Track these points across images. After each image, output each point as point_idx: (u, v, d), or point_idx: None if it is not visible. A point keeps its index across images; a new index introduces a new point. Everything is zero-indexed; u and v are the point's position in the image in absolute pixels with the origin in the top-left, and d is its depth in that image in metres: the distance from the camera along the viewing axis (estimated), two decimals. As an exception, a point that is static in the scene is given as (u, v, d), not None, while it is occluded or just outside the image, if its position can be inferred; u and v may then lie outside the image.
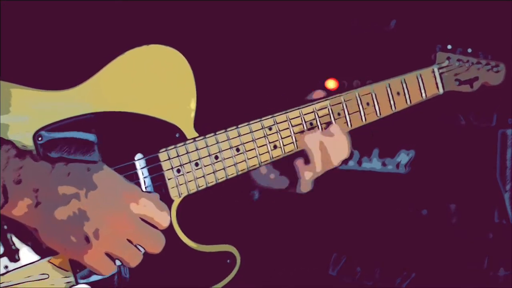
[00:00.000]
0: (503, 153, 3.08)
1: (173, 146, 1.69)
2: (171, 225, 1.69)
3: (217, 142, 1.74)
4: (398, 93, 1.98)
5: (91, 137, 1.59)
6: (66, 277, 1.56)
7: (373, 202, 3.26)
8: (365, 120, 1.94)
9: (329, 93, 1.95)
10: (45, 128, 1.55)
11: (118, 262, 1.54)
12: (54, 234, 1.45)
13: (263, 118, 1.80)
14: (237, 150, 1.77)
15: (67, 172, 1.46)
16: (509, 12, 2.82)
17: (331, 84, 3.07)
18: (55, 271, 1.55)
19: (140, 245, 1.55)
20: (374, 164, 3.29)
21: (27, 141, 1.53)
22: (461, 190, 3.14)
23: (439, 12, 2.92)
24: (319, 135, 1.84)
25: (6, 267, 1.50)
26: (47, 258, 1.54)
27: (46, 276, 1.54)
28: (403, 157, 3.25)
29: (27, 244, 1.51)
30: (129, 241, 1.52)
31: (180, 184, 1.70)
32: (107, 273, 1.53)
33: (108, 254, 1.50)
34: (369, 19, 3.16)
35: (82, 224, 1.45)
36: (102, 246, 1.48)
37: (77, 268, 1.56)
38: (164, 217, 1.57)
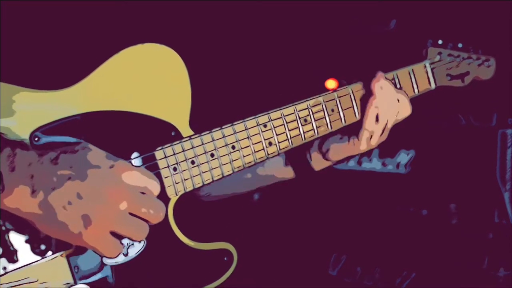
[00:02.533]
0: (503, 153, 3.08)
1: (169, 145, 1.69)
2: (168, 223, 1.70)
3: (213, 140, 1.74)
4: None
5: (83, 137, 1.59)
6: (65, 278, 1.56)
7: (373, 202, 3.27)
8: (359, 116, 1.96)
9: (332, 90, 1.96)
10: (41, 128, 1.55)
11: (124, 242, 1.53)
12: (53, 220, 1.43)
13: (258, 115, 1.80)
14: (233, 147, 1.77)
15: (56, 156, 1.45)
16: (500, 7, 2.83)
17: (331, 84, 3.08)
18: (54, 272, 1.55)
19: (142, 217, 1.50)
20: (374, 164, 3.29)
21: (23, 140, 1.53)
22: (461, 190, 3.14)
23: (430, 8, 2.93)
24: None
25: (4, 268, 1.50)
26: (47, 259, 1.54)
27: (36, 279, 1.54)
28: (403, 157, 3.25)
29: (26, 244, 1.51)
30: (131, 214, 1.49)
31: (177, 183, 1.70)
32: (114, 254, 1.49)
33: (112, 233, 1.47)
34: (369, 19, 3.17)
35: (80, 205, 1.43)
36: (105, 224, 1.45)
37: (76, 268, 1.56)
38: (154, 185, 1.53)
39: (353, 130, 1.96)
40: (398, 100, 1.94)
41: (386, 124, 1.95)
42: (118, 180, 1.48)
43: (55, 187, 1.42)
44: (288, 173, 2.06)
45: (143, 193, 1.51)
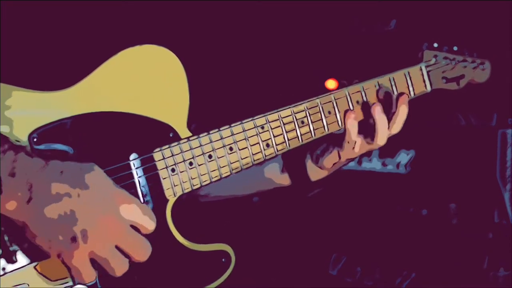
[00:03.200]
0: (503, 153, 3.08)
1: (167, 146, 1.69)
2: (166, 224, 1.70)
3: (211, 141, 1.74)
4: None
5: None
6: (63, 278, 1.56)
7: (373, 202, 3.27)
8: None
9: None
10: (40, 129, 1.56)
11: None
12: (42, 231, 1.44)
13: (255, 117, 1.80)
14: (231, 149, 1.77)
15: (60, 170, 1.45)
16: (496, 10, 2.83)
17: (331, 84, 3.08)
18: (52, 273, 1.55)
19: (127, 253, 1.51)
20: (374, 164, 3.29)
21: (22, 141, 1.54)
22: (461, 190, 3.15)
23: (426, 11, 2.93)
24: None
25: (3, 269, 1.50)
26: (46, 260, 1.53)
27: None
28: (403, 157, 3.25)
29: (23, 247, 1.51)
30: (117, 248, 1.49)
31: (175, 184, 1.70)
32: (87, 280, 1.49)
33: (92, 260, 1.47)
34: (369, 19, 3.17)
35: (71, 224, 1.43)
36: (88, 248, 1.45)
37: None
38: (151, 223, 1.54)
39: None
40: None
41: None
42: (114, 210, 1.49)
43: (52, 201, 1.43)
44: (284, 180, 2.06)
45: (136, 228, 1.52)
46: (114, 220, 1.48)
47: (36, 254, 1.52)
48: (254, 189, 2.11)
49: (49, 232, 1.44)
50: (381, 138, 1.91)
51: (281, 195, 2.10)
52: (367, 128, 1.93)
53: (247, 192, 2.12)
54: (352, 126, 1.91)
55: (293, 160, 2.02)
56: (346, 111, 1.92)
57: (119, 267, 1.50)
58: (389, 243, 3.24)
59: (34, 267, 1.53)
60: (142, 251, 1.53)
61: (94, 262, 1.48)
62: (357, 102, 1.95)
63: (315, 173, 2.03)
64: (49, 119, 1.57)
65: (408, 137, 3.18)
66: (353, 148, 1.92)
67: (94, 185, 1.47)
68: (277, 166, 2.05)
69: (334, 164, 1.98)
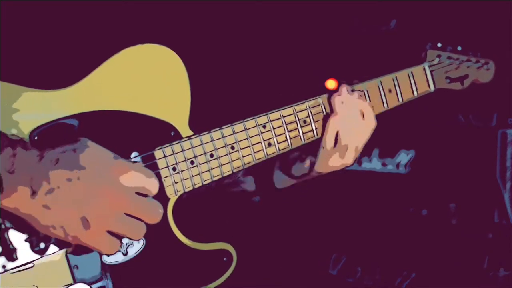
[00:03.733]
0: (503, 153, 3.09)
1: (168, 144, 1.70)
2: (167, 223, 1.70)
3: (212, 140, 1.75)
4: (390, 91, 2.00)
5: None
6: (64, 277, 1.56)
7: (373, 202, 3.27)
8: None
9: (330, 93, 1.96)
10: (40, 128, 1.56)
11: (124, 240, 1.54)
12: (52, 221, 1.44)
13: (257, 116, 1.80)
14: (232, 148, 1.77)
15: (55, 158, 1.45)
16: (499, 10, 2.83)
17: (331, 84, 3.08)
18: (53, 271, 1.55)
19: (139, 217, 1.52)
20: (374, 164, 3.29)
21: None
22: (461, 190, 3.15)
23: (429, 11, 2.93)
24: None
25: (3, 266, 1.50)
26: (46, 257, 1.54)
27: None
28: (403, 157, 3.25)
29: (26, 242, 1.51)
30: (128, 215, 1.51)
31: (176, 182, 1.70)
32: (112, 252, 1.51)
33: (110, 232, 1.49)
34: (369, 19, 3.17)
35: (78, 207, 1.44)
36: (102, 225, 1.47)
37: (75, 267, 1.56)
38: (153, 183, 1.54)
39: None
40: (363, 115, 1.92)
41: (348, 145, 1.92)
42: (114, 181, 1.49)
43: (54, 188, 1.43)
44: (249, 185, 2.06)
45: (141, 193, 1.52)
46: (117, 191, 1.49)
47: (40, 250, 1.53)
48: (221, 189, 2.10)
49: (60, 220, 1.44)
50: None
51: (281, 194, 2.10)
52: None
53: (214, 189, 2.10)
54: (333, 127, 1.89)
55: (259, 165, 2.02)
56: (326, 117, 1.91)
57: (136, 232, 1.52)
58: (389, 243, 3.24)
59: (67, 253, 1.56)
60: (152, 213, 1.53)
61: (112, 233, 1.50)
62: None
63: (281, 181, 2.02)
64: (50, 117, 1.57)
65: (408, 137, 3.20)
66: (328, 161, 1.91)
67: (90, 163, 1.47)
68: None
69: (303, 174, 1.97)
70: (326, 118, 1.91)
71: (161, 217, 1.55)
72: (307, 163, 1.96)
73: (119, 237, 1.51)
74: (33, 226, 1.46)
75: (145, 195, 1.53)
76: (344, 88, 1.92)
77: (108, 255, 1.58)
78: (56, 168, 1.44)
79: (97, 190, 1.46)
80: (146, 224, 1.53)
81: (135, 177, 1.51)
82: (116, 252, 1.52)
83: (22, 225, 1.48)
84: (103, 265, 1.61)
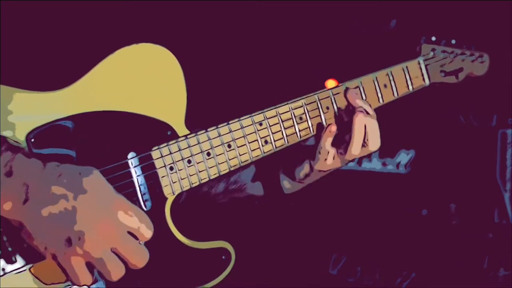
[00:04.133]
0: (503, 153, 3.08)
1: (165, 144, 1.70)
2: (165, 222, 1.70)
3: (209, 139, 1.75)
4: (385, 86, 1.99)
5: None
6: (58, 283, 1.56)
7: (373, 202, 3.26)
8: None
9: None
10: (37, 129, 1.56)
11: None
12: (37, 231, 1.44)
13: (253, 114, 1.80)
14: (229, 146, 1.77)
15: (58, 173, 1.45)
16: (495, 3, 2.82)
17: (331, 84, 3.07)
18: (47, 277, 1.55)
19: (123, 257, 1.50)
20: (374, 164, 3.29)
21: (20, 142, 1.54)
22: (461, 190, 3.14)
23: (424, 5, 2.93)
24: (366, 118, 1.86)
25: (3, 269, 1.50)
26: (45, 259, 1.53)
27: None
28: (403, 157, 3.25)
29: (22, 247, 1.51)
30: (113, 252, 1.48)
31: (174, 182, 1.71)
32: (83, 283, 1.48)
33: (88, 263, 1.47)
34: (369, 19, 3.17)
35: (66, 226, 1.43)
36: (84, 251, 1.44)
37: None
38: (149, 229, 1.53)
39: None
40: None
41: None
42: (111, 215, 1.48)
43: (48, 202, 1.43)
44: (255, 189, 2.05)
45: (133, 235, 1.51)
46: (111, 224, 1.48)
47: (32, 256, 1.52)
48: (227, 196, 2.09)
49: (45, 233, 1.44)
50: (356, 148, 1.86)
51: (281, 194, 2.10)
52: (340, 140, 1.90)
53: (221, 199, 2.09)
54: (327, 136, 1.88)
55: (266, 170, 2.02)
56: (320, 125, 1.90)
57: (115, 271, 1.49)
58: (389, 243, 3.24)
59: (29, 269, 1.53)
60: (138, 257, 1.52)
61: (90, 266, 1.47)
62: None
63: (288, 186, 2.02)
64: (46, 119, 1.58)
65: (408, 137, 3.19)
66: (325, 160, 1.90)
67: (92, 189, 1.47)
68: (249, 174, 2.04)
69: (306, 176, 1.97)
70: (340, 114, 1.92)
71: (144, 265, 1.53)
72: (306, 165, 1.95)
73: (93, 271, 1.48)
74: (19, 231, 1.46)
75: (136, 238, 1.52)
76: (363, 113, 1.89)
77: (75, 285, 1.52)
78: (56, 183, 1.44)
79: (91, 216, 1.45)
80: (126, 267, 1.51)
81: (133, 217, 1.51)
82: (87, 286, 1.49)
83: (10, 229, 1.48)
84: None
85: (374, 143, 1.88)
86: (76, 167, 1.48)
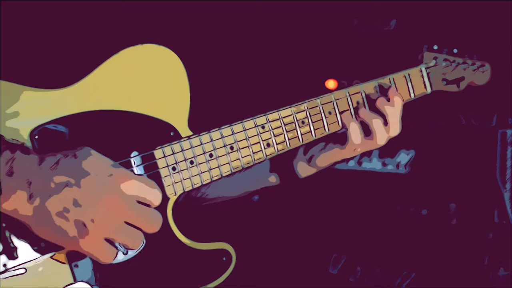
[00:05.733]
0: (503, 153, 3.08)
1: (168, 144, 1.70)
2: (167, 222, 1.70)
3: (211, 140, 1.75)
4: None
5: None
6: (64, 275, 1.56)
7: (373, 202, 3.27)
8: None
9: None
10: (41, 127, 1.56)
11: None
12: (49, 225, 1.44)
13: (256, 117, 1.81)
14: (231, 148, 1.78)
15: (56, 162, 1.46)
16: (497, 11, 2.83)
17: (331, 84, 3.08)
18: (53, 270, 1.55)
19: (138, 226, 1.52)
20: (374, 164, 3.29)
21: (23, 139, 1.54)
22: (461, 190, 3.15)
23: (426, 13, 2.93)
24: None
25: (4, 265, 1.50)
26: (47, 255, 1.54)
27: None
28: (403, 157, 3.25)
29: (26, 242, 1.51)
30: (127, 223, 1.51)
31: (176, 182, 1.71)
32: (108, 260, 1.51)
33: (108, 240, 1.49)
34: (369, 19, 3.17)
35: (77, 212, 1.44)
36: (100, 231, 1.46)
37: (76, 266, 1.57)
38: (156, 195, 1.56)
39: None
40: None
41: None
42: (115, 189, 1.49)
43: (53, 193, 1.43)
44: (272, 179, 2.07)
45: (141, 202, 1.53)
46: (118, 199, 1.49)
47: (45, 248, 1.53)
48: (242, 190, 2.11)
49: (57, 225, 1.44)
50: (381, 138, 1.93)
51: (281, 194, 2.10)
52: (366, 127, 1.94)
53: (234, 193, 2.12)
54: (354, 129, 1.92)
55: (280, 159, 2.03)
56: (344, 113, 1.93)
57: (134, 242, 1.52)
58: (389, 243, 3.24)
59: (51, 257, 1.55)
60: (151, 223, 1.54)
61: (110, 241, 1.50)
62: (357, 102, 1.96)
63: (304, 170, 2.03)
64: (50, 117, 1.58)
65: (408, 137, 3.19)
66: (354, 150, 1.93)
67: (93, 170, 1.48)
68: (265, 166, 2.06)
69: (329, 163, 1.99)
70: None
71: (160, 227, 1.56)
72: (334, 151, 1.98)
73: (115, 246, 1.51)
74: (30, 229, 1.46)
75: (146, 205, 1.54)
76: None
77: (104, 263, 1.54)
78: (56, 173, 1.45)
79: (97, 196, 1.46)
80: (144, 233, 1.54)
81: (137, 186, 1.52)
82: (113, 260, 1.52)
83: (20, 228, 1.48)
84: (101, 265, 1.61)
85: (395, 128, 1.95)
86: (71, 151, 1.49)
